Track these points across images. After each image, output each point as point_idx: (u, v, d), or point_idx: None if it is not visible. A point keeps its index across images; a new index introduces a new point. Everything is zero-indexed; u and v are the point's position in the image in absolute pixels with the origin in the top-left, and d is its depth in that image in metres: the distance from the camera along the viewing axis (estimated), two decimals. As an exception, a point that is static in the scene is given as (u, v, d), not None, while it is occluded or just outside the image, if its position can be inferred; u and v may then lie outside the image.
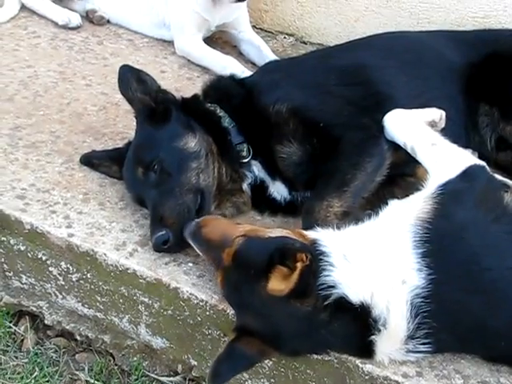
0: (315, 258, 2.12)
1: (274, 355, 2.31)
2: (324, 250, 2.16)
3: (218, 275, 2.29)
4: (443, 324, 2.10)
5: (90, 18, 4.19)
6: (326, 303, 2.09)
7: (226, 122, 2.76)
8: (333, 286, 2.09)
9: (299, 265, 2.05)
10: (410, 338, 2.12)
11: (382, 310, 2.10)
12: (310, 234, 2.26)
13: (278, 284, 2.09)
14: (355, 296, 2.09)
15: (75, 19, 4.11)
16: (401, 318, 2.10)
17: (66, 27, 4.09)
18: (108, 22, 4.22)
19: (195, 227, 2.38)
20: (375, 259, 2.15)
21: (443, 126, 2.65)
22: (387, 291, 2.10)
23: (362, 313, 2.10)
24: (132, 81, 2.74)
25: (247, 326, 2.20)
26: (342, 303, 2.09)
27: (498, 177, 2.45)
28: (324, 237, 2.23)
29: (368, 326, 2.11)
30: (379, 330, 2.11)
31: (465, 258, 2.12)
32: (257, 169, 2.76)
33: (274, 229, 2.33)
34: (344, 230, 2.28)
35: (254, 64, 3.95)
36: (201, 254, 2.41)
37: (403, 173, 2.74)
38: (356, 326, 2.13)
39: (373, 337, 2.13)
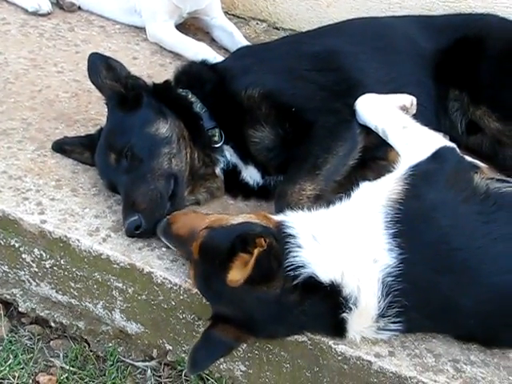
0: (280, 240, 2.13)
1: (251, 340, 2.33)
2: (290, 232, 2.18)
3: (190, 269, 2.31)
4: (414, 303, 2.13)
5: (61, 4, 4.15)
6: (294, 283, 2.10)
7: (198, 107, 2.76)
8: (301, 266, 2.11)
9: (256, 251, 2.06)
10: (381, 316, 2.15)
11: (353, 288, 2.12)
12: (276, 217, 2.28)
13: (237, 273, 2.09)
14: (325, 275, 2.12)
15: (45, 5, 4.07)
16: (372, 296, 2.12)
17: (35, 14, 4.05)
18: (79, 8, 4.19)
19: (165, 224, 2.40)
20: (345, 239, 2.18)
21: (414, 111, 2.66)
22: (358, 270, 2.13)
23: (333, 292, 2.12)
24: (101, 68, 2.74)
25: (222, 313, 2.22)
26: (312, 283, 2.11)
27: (468, 158, 2.47)
28: (291, 218, 2.25)
29: (339, 305, 2.13)
30: (350, 309, 2.14)
31: (435, 238, 2.15)
32: (229, 153, 2.77)
33: (238, 215, 2.33)
34: (313, 212, 2.30)
35: (226, 50, 3.95)
36: (174, 250, 2.44)
37: (375, 156, 2.76)
38: (327, 305, 2.15)
39: (344, 315, 2.15)
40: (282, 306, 2.14)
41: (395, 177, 2.30)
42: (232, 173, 2.79)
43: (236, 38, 3.95)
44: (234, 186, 2.80)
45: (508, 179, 2.41)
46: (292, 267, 2.11)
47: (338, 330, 2.21)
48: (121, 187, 2.60)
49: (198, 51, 3.70)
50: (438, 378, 2.18)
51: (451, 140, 2.62)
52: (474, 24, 3.19)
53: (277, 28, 4.26)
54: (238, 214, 2.41)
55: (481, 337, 2.24)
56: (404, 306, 2.13)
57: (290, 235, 2.16)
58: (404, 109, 2.63)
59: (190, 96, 2.79)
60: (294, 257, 2.12)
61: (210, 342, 2.20)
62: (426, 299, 2.14)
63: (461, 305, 2.14)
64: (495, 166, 2.93)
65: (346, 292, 2.12)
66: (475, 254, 2.14)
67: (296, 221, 2.23)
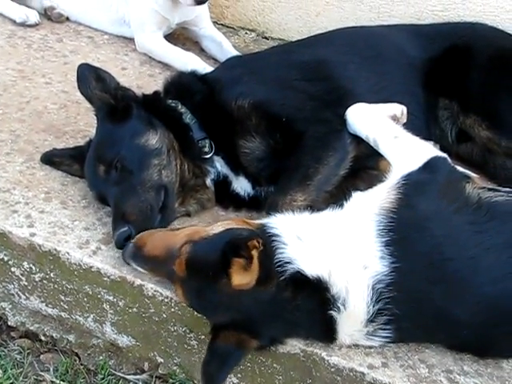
0: (266, 240, 2.14)
1: (254, 344, 2.27)
2: (274, 232, 2.19)
3: (176, 289, 2.29)
4: (405, 312, 2.13)
5: (49, 15, 4.14)
6: (283, 278, 2.12)
7: (188, 118, 2.75)
8: (288, 262, 2.13)
9: (255, 252, 2.07)
10: (370, 321, 2.15)
11: (341, 289, 2.13)
12: (257, 221, 2.30)
13: (242, 277, 2.10)
14: (310, 270, 2.13)
15: (33, 17, 4.05)
16: (361, 300, 2.13)
17: (23, 25, 4.03)
18: (67, 19, 4.17)
19: (134, 248, 2.34)
20: (334, 241, 2.19)
21: (405, 121, 2.67)
22: (346, 272, 2.14)
23: (320, 288, 2.14)
24: (91, 79, 2.73)
25: (221, 323, 2.21)
26: (300, 278, 2.13)
27: (460, 168, 2.48)
28: (273, 220, 2.27)
29: (327, 302, 2.15)
30: (339, 308, 2.14)
31: (428, 247, 2.15)
32: (219, 164, 2.76)
33: (215, 224, 2.31)
34: (298, 215, 2.32)
35: (215, 60, 3.94)
36: (148, 273, 2.39)
37: (366, 166, 2.76)
38: (316, 301, 2.15)
39: (333, 313, 2.15)
40: (278, 304, 2.15)
41: (387, 186, 2.30)
42: (223, 184, 2.78)
43: (225, 48, 3.95)
44: (225, 196, 2.79)
45: (499, 188, 2.41)
46: (280, 263, 2.13)
47: (329, 330, 2.20)
48: (111, 199, 2.58)
49: (187, 62, 3.70)
50: (432, 389, 2.18)
51: (441, 149, 2.62)
52: (463, 32, 3.21)
53: (266, 38, 4.26)
54: (213, 223, 2.39)
55: (474, 347, 2.24)
56: (395, 315, 2.13)
57: (274, 235, 2.18)
58: (395, 118, 2.63)
59: (179, 107, 2.78)
60: (280, 253, 2.14)
61: (218, 353, 2.19)
62: (418, 309, 2.14)
63: (453, 315, 2.14)
64: (485, 174, 2.95)
65: (334, 291, 2.14)
66: (468, 264, 2.14)
67: (278, 222, 2.25)
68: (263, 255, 2.10)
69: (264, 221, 2.28)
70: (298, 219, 2.29)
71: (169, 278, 2.31)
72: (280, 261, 2.13)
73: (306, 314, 2.18)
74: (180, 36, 4.15)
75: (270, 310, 2.16)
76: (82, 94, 2.79)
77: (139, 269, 2.37)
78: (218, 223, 2.30)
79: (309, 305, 2.16)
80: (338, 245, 2.18)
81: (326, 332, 2.23)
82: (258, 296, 2.13)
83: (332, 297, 2.14)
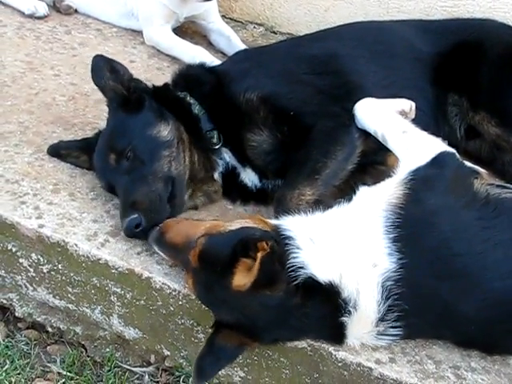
0: (280, 242, 2.13)
1: (255, 346, 2.31)
2: (288, 234, 2.17)
3: (188, 278, 2.29)
4: (414, 308, 2.12)
5: (58, 7, 4.14)
6: (295, 283, 2.10)
7: (196, 109, 2.76)
8: (301, 267, 2.11)
9: (259, 254, 2.06)
10: (381, 320, 2.14)
11: (352, 291, 2.12)
12: (273, 221, 2.28)
13: (242, 278, 2.09)
14: (323, 275, 2.11)
15: (42, 8, 4.05)
16: (371, 299, 2.12)
17: (32, 16, 4.03)
18: (75, 11, 4.17)
19: (158, 233, 2.37)
20: (344, 241, 2.17)
21: (413, 116, 2.66)
22: (357, 273, 2.12)
23: (332, 293, 2.12)
24: (105, 70, 2.74)
25: (224, 320, 2.21)
26: (311, 284, 2.11)
27: (468, 164, 2.47)
28: (288, 222, 2.25)
29: (338, 307, 2.13)
30: (350, 312, 2.13)
31: (435, 243, 2.14)
32: (228, 156, 2.76)
33: (235, 221, 2.31)
34: (310, 216, 2.30)
35: (223, 54, 3.94)
36: (169, 259, 2.41)
37: (374, 161, 2.75)
38: (327, 308, 2.14)
39: (344, 318, 2.14)
40: (285, 310, 2.13)
41: (395, 181, 2.29)
42: (231, 175, 2.78)
43: (233, 42, 3.95)
44: (233, 188, 2.79)
45: (507, 185, 2.40)
46: (293, 268, 2.10)
47: (338, 335, 2.20)
48: (120, 188, 2.59)
49: (195, 55, 3.69)
50: (439, 385, 2.18)
51: (449, 145, 2.62)
52: (473, 29, 3.19)
53: (274, 32, 4.25)
54: (235, 219, 2.39)
55: (481, 343, 2.24)
56: (404, 311, 2.12)
57: (289, 237, 2.16)
58: (403, 113, 2.62)
59: (188, 98, 2.79)
60: (294, 258, 2.11)
61: (215, 349, 2.19)
62: (426, 304, 2.13)
63: (461, 310, 2.14)
64: (494, 171, 2.93)
65: (345, 294, 2.12)
66: (476, 260, 2.14)
67: (293, 224, 2.23)
68: (269, 258, 2.06)
69: (279, 222, 2.26)
70: (310, 220, 2.26)
71: (184, 267, 2.31)
72: (293, 265, 2.10)
73: (315, 321, 2.17)
74: (188, 30, 4.16)
75: (276, 315, 2.14)
76: (95, 84, 2.80)
77: (161, 254, 2.39)
78: (238, 220, 2.31)
79: (318, 312, 2.15)
80: (348, 245, 2.17)
81: (335, 337, 2.23)
82: (265, 300, 2.11)
83: (343, 301, 2.12)
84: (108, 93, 2.76)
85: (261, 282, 2.07)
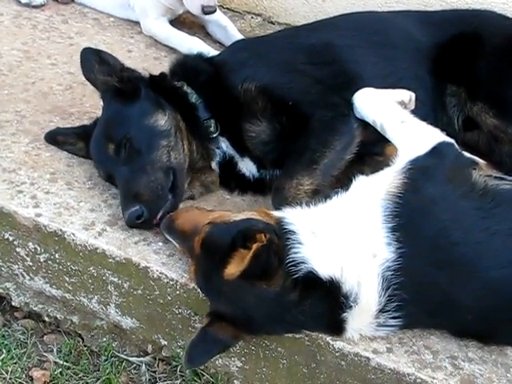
0: (282, 236, 2.12)
1: (248, 338, 2.32)
2: (291, 228, 2.16)
3: (191, 265, 2.30)
4: (413, 297, 2.12)
5: (55, -4, 4.12)
6: (294, 277, 2.09)
7: (194, 98, 2.75)
8: (302, 262, 2.10)
9: (255, 246, 2.05)
10: (381, 311, 2.14)
11: (353, 285, 2.11)
12: (276, 213, 2.26)
13: (234, 267, 2.09)
14: (324, 271, 2.10)
15: None
16: (372, 291, 2.11)
17: (29, 5, 4.01)
18: (73, 1, 4.15)
19: (169, 220, 2.40)
20: (345, 234, 2.17)
21: (413, 107, 2.65)
22: (358, 265, 2.12)
23: (332, 289, 2.11)
24: (94, 63, 2.74)
25: (220, 311, 2.21)
26: (312, 279, 2.10)
27: (467, 154, 2.47)
28: (291, 215, 2.24)
29: (339, 304, 2.12)
30: (350, 307, 2.12)
31: (434, 232, 2.14)
32: (225, 145, 2.76)
33: (241, 212, 2.32)
34: (312, 208, 2.29)
35: (221, 44, 3.92)
36: (178, 246, 2.42)
37: (372, 151, 2.75)
38: (327, 303, 2.13)
39: (344, 314, 2.14)
40: (281, 305, 2.13)
41: (394, 170, 2.29)
42: (228, 165, 2.77)
43: (230, 32, 3.93)
44: (231, 178, 2.79)
45: (505, 176, 2.41)
46: (293, 263, 2.09)
47: (337, 328, 2.20)
48: (119, 178, 2.59)
49: (192, 46, 3.68)
50: (436, 375, 2.17)
51: (448, 136, 2.61)
52: (472, 20, 3.18)
53: (272, 22, 4.23)
54: (236, 209, 2.42)
55: (478, 333, 2.24)
56: (403, 300, 2.12)
57: (291, 231, 2.15)
58: (402, 104, 2.62)
59: (185, 87, 2.78)
60: (295, 253, 2.11)
61: (207, 339, 2.19)
62: (425, 293, 2.14)
63: (459, 299, 2.14)
64: (491, 162, 2.92)
65: (346, 288, 2.11)
66: (474, 249, 2.14)
67: (296, 217, 2.22)
68: (265, 250, 2.06)
69: (283, 214, 2.24)
70: (313, 213, 2.26)
71: (190, 254, 2.32)
72: (294, 260, 2.10)
73: (313, 316, 2.17)
74: (186, 19, 4.13)
75: (272, 310, 2.14)
76: (86, 78, 2.80)
77: (171, 240, 2.41)
78: (244, 212, 2.31)
79: (317, 307, 2.14)
80: (349, 237, 2.16)
81: (334, 331, 2.23)
82: (261, 293, 2.11)
83: (343, 296, 2.11)
84: (100, 86, 2.75)
85: (252, 272, 2.07)
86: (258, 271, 2.08)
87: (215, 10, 3.68)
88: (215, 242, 2.17)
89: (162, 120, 2.64)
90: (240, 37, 3.86)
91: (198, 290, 2.34)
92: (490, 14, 3.33)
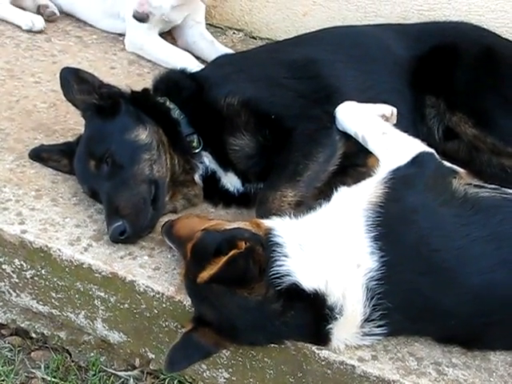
0: (268, 248, 2.15)
1: (230, 346, 2.34)
2: (277, 241, 2.19)
3: (183, 269, 2.33)
4: (397, 304, 2.15)
5: (41, 12, 4.10)
6: (278, 289, 2.11)
7: (176, 113, 2.78)
8: (287, 275, 2.12)
9: (231, 252, 2.08)
10: (366, 320, 2.16)
11: (338, 297, 2.13)
12: (267, 223, 2.29)
13: (208, 272, 2.12)
14: (309, 283, 2.12)
15: (39, 23, 3.99)
16: (357, 302, 2.14)
17: (30, 31, 3.99)
18: (60, 13, 4.15)
19: (168, 226, 2.45)
20: (330, 246, 2.19)
21: (394, 121, 2.68)
22: (342, 277, 2.14)
23: (317, 301, 2.13)
24: (72, 83, 2.75)
25: (203, 317, 2.23)
26: (295, 291, 2.12)
27: (447, 164, 2.51)
28: (279, 226, 2.26)
29: (324, 315, 2.15)
30: (335, 318, 2.15)
31: (415, 239, 2.18)
32: (208, 160, 2.78)
33: (234, 222, 2.36)
34: (299, 219, 2.31)
35: (202, 60, 3.94)
36: (176, 251, 2.46)
37: (355, 163, 2.78)
38: (311, 316, 2.16)
39: (329, 325, 2.16)
40: (264, 315, 2.15)
41: (375, 181, 2.33)
42: (211, 180, 2.80)
43: (216, 47, 3.94)
44: (215, 193, 2.81)
45: (485, 185, 2.45)
46: (277, 275, 2.12)
47: (322, 340, 2.22)
48: (102, 193, 2.60)
49: (181, 60, 3.66)
50: (421, 381, 2.20)
51: (428, 146, 2.65)
52: (449, 32, 3.24)
53: (253, 37, 4.27)
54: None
55: (462, 338, 2.27)
56: (387, 308, 2.14)
57: (277, 244, 2.17)
58: (384, 118, 2.65)
59: (167, 103, 2.80)
60: (279, 266, 2.13)
61: (189, 344, 2.21)
62: (408, 300, 2.16)
63: (441, 305, 2.17)
64: (471, 171, 2.97)
65: (332, 301, 2.14)
66: (454, 255, 2.17)
67: (284, 229, 2.24)
68: (242, 257, 2.08)
69: (272, 225, 2.26)
70: (299, 224, 2.28)
71: (183, 259, 2.35)
72: (278, 273, 2.12)
73: (297, 328, 2.19)
74: (168, 36, 4.14)
75: (254, 319, 2.16)
76: (66, 99, 2.82)
77: (170, 244, 2.46)
78: (238, 222, 2.35)
79: (301, 320, 2.17)
80: (333, 248, 2.19)
81: (319, 342, 2.25)
82: (242, 302, 2.14)
83: (328, 308, 2.13)
84: (80, 105, 2.78)
85: (223, 277, 2.09)
86: (230, 276, 2.10)
87: (144, 21, 3.65)
88: (203, 248, 2.20)
89: (143, 134, 2.66)
90: (228, 51, 3.87)
91: (185, 302, 2.36)
92: (467, 26, 3.40)
